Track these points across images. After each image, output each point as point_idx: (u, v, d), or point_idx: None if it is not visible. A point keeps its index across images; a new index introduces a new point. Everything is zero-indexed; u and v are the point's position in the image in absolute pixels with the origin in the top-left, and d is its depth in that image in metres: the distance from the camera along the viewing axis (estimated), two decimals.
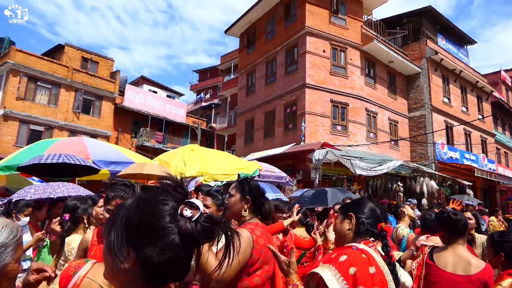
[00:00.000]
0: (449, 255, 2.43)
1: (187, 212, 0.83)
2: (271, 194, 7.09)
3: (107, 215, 2.28)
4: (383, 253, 1.68)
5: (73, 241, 2.80)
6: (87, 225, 3.06)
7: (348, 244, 1.71)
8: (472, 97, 22.69)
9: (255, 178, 7.59)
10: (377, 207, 1.83)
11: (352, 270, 1.51)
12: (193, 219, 0.82)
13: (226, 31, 21.07)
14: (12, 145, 18.09)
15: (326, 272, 1.51)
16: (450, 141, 19.72)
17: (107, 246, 0.84)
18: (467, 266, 2.30)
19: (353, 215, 1.76)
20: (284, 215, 3.64)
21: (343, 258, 1.57)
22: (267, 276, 1.97)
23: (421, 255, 2.60)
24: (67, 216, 3.04)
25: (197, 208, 0.84)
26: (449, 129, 19.71)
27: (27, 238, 3.34)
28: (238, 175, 6.88)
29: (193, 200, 0.86)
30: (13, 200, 3.88)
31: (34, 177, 6.86)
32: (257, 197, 2.17)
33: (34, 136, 18.02)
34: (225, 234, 0.86)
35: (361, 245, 1.66)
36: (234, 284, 1.89)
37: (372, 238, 1.71)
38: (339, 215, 1.84)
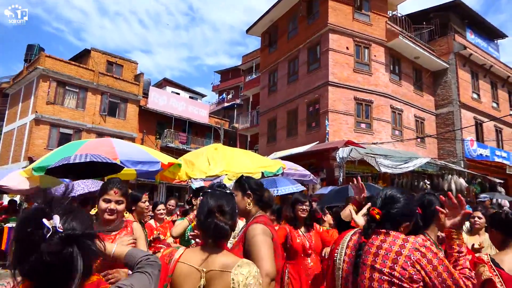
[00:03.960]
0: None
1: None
2: (291, 187, 7.03)
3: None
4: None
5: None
6: None
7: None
8: (503, 93, 21.79)
9: (278, 176, 7.58)
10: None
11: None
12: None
13: (247, 31, 21.11)
14: (44, 148, 18.78)
15: None
16: (480, 138, 19.01)
17: None
18: None
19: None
20: (304, 207, 3.61)
21: None
22: (282, 260, 2.26)
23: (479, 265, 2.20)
24: None
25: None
26: (478, 125, 19.01)
27: None
28: (262, 173, 6.87)
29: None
30: (23, 199, 4.03)
31: (65, 179, 7.09)
32: (257, 190, 2.37)
33: (64, 139, 18.65)
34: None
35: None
36: None
37: None
38: None
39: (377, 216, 1.73)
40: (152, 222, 5.19)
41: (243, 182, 2.40)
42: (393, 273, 1.58)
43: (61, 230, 0.89)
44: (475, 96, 19.52)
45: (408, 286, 1.56)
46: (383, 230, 1.72)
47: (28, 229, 0.89)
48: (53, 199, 0.96)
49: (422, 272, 1.57)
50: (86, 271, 0.95)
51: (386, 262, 1.61)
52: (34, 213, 0.91)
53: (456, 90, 18.41)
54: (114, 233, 2.32)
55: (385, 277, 1.60)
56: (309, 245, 3.51)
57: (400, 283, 1.57)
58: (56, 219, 0.90)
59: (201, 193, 1.76)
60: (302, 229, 3.63)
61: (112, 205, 2.29)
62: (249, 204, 2.32)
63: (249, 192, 2.34)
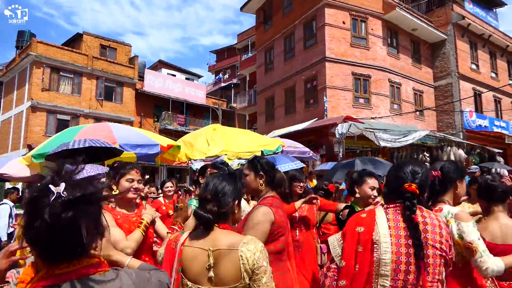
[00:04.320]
0: (494, 226, 2.32)
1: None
2: (290, 164, 7.06)
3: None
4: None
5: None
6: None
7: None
8: (502, 62, 21.58)
9: (278, 154, 7.59)
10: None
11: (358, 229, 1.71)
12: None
13: (241, 8, 20.68)
14: (42, 135, 18.72)
15: (331, 239, 1.83)
16: (478, 108, 18.96)
17: None
18: None
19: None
20: (302, 184, 3.64)
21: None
22: (286, 242, 2.22)
23: None
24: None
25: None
26: (477, 96, 18.93)
27: None
28: (262, 152, 6.88)
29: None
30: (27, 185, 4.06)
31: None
32: (269, 171, 2.40)
33: (62, 125, 18.54)
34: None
35: (377, 206, 1.77)
36: None
37: (401, 200, 1.70)
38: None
39: (417, 191, 1.69)
40: (161, 199, 5.55)
41: (255, 163, 2.43)
42: (442, 246, 1.64)
43: (64, 196, 0.90)
44: (473, 66, 19.34)
45: (449, 258, 1.66)
46: (418, 206, 1.70)
47: (35, 193, 0.92)
48: (63, 171, 0.98)
49: (450, 242, 1.69)
50: (86, 246, 0.95)
51: (436, 237, 1.64)
52: (44, 182, 0.93)
53: (454, 62, 18.22)
54: (132, 213, 2.42)
55: (437, 252, 1.63)
56: (298, 217, 3.54)
57: (445, 255, 1.65)
58: (62, 185, 0.92)
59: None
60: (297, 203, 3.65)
61: (136, 184, 2.39)
62: (261, 185, 2.37)
63: (262, 173, 2.37)
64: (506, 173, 10.53)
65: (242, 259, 1.46)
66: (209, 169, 3.63)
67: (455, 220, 1.98)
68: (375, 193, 3.08)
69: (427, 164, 13.14)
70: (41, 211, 0.88)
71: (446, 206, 2.08)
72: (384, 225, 1.66)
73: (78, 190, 0.93)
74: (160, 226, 2.54)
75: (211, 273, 1.46)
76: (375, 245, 1.64)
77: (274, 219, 2.15)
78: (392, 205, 1.73)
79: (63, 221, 0.88)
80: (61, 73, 20.37)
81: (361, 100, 15.62)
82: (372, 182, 3.20)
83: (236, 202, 1.67)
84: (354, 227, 1.72)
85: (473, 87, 18.78)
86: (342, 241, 1.74)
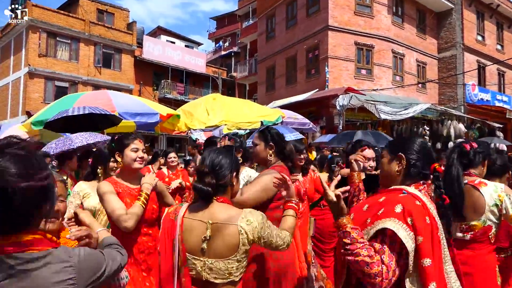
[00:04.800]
0: None
1: None
2: (289, 135, 7.07)
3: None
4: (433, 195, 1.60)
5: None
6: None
7: (397, 187, 1.58)
8: (508, 34, 21.07)
9: (278, 125, 7.57)
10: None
11: (409, 220, 1.40)
12: None
13: None
14: (41, 102, 18.57)
15: (398, 229, 1.39)
16: (482, 82, 18.74)
17: None
18: None
19: (403, 156, 1.59)
20: (303, 156, 3.65)
21: (399, 209, 1.44)
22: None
23: None
24: None
25: None
26: (481, 69, 18.65)
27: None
28: (261, 122, 6.86)
29: None
30: None
31: (65, 133, 7.10)
32: (279, 142, 2.42)
33: (61, 93, 18.33)
34: None
35: (411, 189, 1.54)
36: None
37: (423, 181, 1.60)
38: (387, 154, 1.68)
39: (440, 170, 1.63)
40: (164, 170, 5.38)
41: (266, 133, 2.44)
42: None
43: None
44: (479, 38, 18.92)
45: None
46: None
47: None
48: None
49: None
50: (28, 217, 0.94)
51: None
52: None
53: (460, 32, 17.81)
54: (136, 187, 2.35)
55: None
56: (303, 192, 3.58)
57: None
58: None
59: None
60: (300, 176, 3.68)
61: (141, 153, 2.36)
62: (270, 155, 2.39)
63: (272, 143, 2.39)
64: (505, 148, 10.57)
65: (241, 233, 1.50)
66: (222, 139, 3.59)
67: (506, 194, 2.03)
68: (371, 163, 3.03)
69: (427, 138, 13.19)
70: None
71: (490, 182, 2.10)
72: (433, 208, 1.51)
73: (9, 162, 0.90)
74: (166, 193, 2.53)
75: (204, 245, 1.51)
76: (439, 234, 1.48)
77: None
78: (421, 186, 1.57)
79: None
80: (57, 38, 19.92)
81: (363, 71, 15.40)
82: (367, 153, 3.15)
83: (234, 174, 1.69)
84: (423, 218, 1.43)
85: (477, 60, 18.46)
86: (412, 234, 1.40)
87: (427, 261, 1.38)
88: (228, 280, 1.52)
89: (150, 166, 5.66)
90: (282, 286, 2.11)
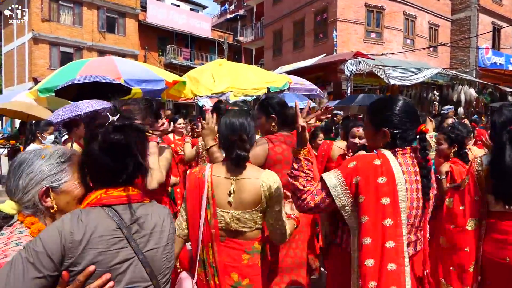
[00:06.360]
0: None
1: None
2: (301, 104, 7.04)
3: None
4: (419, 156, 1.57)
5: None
6: None
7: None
8: None
9: (284, 91, 7.50)
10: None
11: (356, 179, 1.47)
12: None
13: None
14: (47, 68, 18.54)
15: (332, 179, 1.51)
16: (495, 45, 18.13)
17: None
18: None
19: (388, 132, 1.55)
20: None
21: (352, 164, 1.52)
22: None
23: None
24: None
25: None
26: (496, 31, 17.97)
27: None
28: (268, 89, 6.80)
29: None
30: (33, 122, 4.07)
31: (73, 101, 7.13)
32: (280, 112, 2.37)
33: (66, 58, 18.21)
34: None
35: (384, 150, 1.55)
36: None
37: (406, 143, 1.57)
38: (370, 126, 1.64)
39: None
40: (170, 136, 5.37)
41: (265, 105, 2.40)
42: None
43: (118, 123, 1.09)
44: None
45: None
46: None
47: (96, 124, 1.11)
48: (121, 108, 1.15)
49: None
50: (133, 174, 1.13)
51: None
52: (104, 114, 1.12)
53: None
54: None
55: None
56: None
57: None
58: (117, 116, 1.11)
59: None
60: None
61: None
62: (274, 127, 2.38)
63: (273, 115, 2.37)
64: None
65: (262, 186, 1.65)
66: (206, 112, 3.60)
67: None
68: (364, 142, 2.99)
69: (436, 103, 12.97)
70: (97, 135, 1.07)
71: None
72: (399, 171, 1.50)
73: (128, 120, 1.11)
74: (153, 159, 2.12)
75: (231, 199, 1.65)
76: (398, 195, 1.49)
77: (268, 153, 2.26)
78: (400, 149, 1.55)
79: (113, 141, 1.05)
80: (60, 2, 19.54)
81: (373, 35, 14.96)
82: (361, 133, 3.09)
83: None
84: (373, 177, 1.47)
85: (493, 21, 17.76)
86: (349, 191, 1.48)
87: (364, 218, 1.47)
88: (254, 228, 1.69)
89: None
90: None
